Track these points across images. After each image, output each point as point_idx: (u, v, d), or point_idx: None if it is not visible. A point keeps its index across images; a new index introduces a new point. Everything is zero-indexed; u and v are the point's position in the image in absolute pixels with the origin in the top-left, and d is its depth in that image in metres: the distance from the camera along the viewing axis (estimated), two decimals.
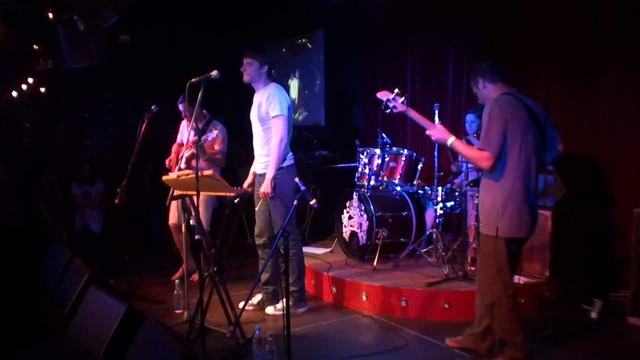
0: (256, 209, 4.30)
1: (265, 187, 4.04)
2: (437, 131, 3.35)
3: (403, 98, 3.50)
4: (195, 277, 5.00)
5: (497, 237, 3.20)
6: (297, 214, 4.62)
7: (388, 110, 3.55)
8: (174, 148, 5.28)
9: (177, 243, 5.29)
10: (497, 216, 3.19)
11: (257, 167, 4.33)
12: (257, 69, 4.12)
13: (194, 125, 3.77)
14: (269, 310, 4.36)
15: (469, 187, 4.83)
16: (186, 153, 4.72)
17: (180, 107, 5.11)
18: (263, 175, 4.18)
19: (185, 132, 5.17)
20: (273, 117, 4.09)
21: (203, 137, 4.87)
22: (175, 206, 5.20)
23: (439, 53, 6.33)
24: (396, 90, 3.52)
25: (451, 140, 3.28)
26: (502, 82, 3.31)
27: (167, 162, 5.17)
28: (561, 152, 3.39)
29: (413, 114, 3.46)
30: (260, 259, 4.44)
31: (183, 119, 5.27)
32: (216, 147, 4.98)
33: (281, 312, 4.15)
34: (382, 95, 3.56)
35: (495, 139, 3.12)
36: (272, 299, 4.39)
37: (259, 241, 4.40)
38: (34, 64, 6.83)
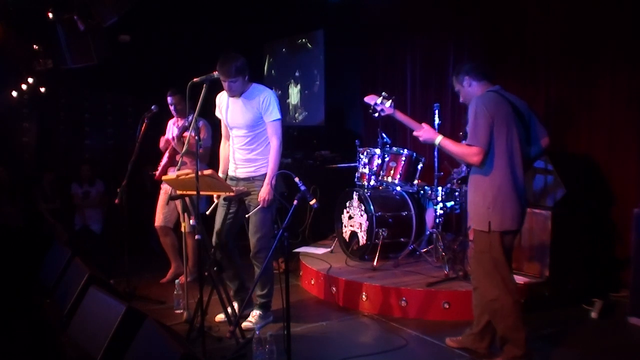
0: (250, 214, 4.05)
1: (267, 193, 3.92)
2: (424, 132, 3.38)
3: (390, 101, 3.55)
4: (182, 279, 4.75)
5: (490, 232, 3.21)
6: (297, 214, 4.58)
7: (376, 114, 3.62)
8: (162, 144, 5.20)
9: (164, 246, 5.31)
10: (488, 211, 3.21)
11: (238, 172, 4.10)
12: (242, 82, 3.92)
13: (192, 124, 3.75)
14: (245, 325, 4.00)
15: (457, 184, 4.84)
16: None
17: (170, 99, 4.99)
18: (247, 179, 4.03)
19: (174, 129, 4.98)
20: (272, 121, 3.99)
21: (186, 133, 4.85)
22: (161, 208, 5.18)
23: (439, 53, 6.32)
24: (383, 94, 3.58)
25: (439, 139, 3.32)
26: (487, 81, 3.37)
27: (158, 168, 5.12)
28: (544, 146, 3.42)
29: (400, 116, 3.50)
30: (226, 271, 4.19)
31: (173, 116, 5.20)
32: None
33: (254, 324, 3.98)
34: (370, 99, 3.62)
35: (482, 134, 3.16)
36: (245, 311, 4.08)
37: (222, 250, 4.14)
38: (34, 64, 6.82)
